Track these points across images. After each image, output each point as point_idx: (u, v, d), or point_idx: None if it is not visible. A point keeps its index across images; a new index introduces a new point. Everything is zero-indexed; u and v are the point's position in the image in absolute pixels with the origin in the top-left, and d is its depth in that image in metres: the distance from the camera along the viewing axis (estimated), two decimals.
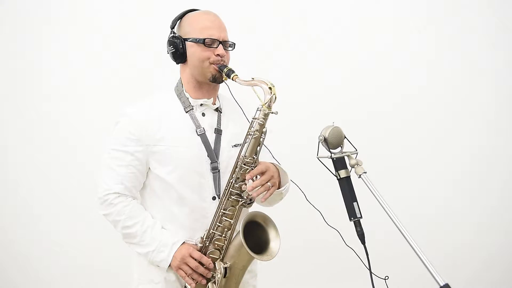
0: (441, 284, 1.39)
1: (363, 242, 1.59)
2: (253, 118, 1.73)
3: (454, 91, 3.10)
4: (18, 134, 3.03)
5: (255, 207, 1.82)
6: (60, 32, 3.01)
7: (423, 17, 3.10)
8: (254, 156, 1.72)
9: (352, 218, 1.60)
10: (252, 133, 1.71)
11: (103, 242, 2.85)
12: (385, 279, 1.58)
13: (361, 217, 1.60)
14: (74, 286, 3.05)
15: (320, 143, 1.65)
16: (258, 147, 1.72)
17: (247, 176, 1.70)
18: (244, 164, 1.71)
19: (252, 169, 1.71)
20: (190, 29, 1.80)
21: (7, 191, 3.04)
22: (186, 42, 1.79)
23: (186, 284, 1.77)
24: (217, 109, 1.87)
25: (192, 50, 1.79)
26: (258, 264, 1.96)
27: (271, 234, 1.73)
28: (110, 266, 2.90)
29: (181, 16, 1.85)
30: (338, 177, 1.64)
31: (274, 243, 1.72)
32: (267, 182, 1.71)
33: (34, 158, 3.03)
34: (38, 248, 3.04)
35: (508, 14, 3.08)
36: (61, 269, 3.04)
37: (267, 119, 1.71)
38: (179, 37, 1.80)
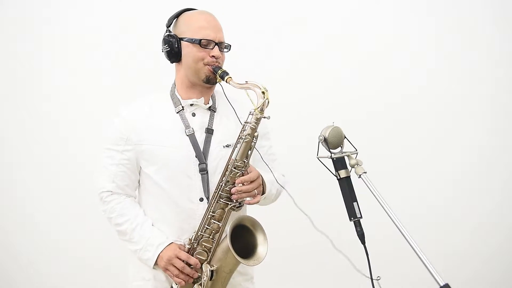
0: (441, 284, 1.39)
1: (363, 242, 1.59)
2: (245, 122, 1.73)
3: (454, 91, 3.09)
4: (18, 134, 3.03)
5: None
6: (60, 32, 3.01)
7: (423, 17, 3.09)
8: (245, 160, 1.72)
9: (352, 218, 1.60)
10: (244, 137, 1.71)
11: (103, 242, 2.85)
12: (377, 279, 1.57)
13: (361, 217, 1.60)
14: (74, 286, 3.04)
15: (320, 143, 1.65)
16: (249, 151, 1.73)
17: (237, 181, 1.71)
18: (235, 168, 1.72)
19: (242, 173, 1.72)
20: (186, 28, 1.80)
21: (7, 191, 3.04)
22: (181, 41, 1.79)
23: (173, 284, 1.78)
24: (210, 108, 1.86)
25: (187, 50, 1.78)
26: (255, 267, 1.95)
27: (259, 238, 1.72)
28: (110, 265, 2.90)
29: (177, 15, 1.85)
30: (338, 177, 1.64)
31: (261, 248, 1.71)
32: (253, 190, 1.73)
33: (34, 158, 3.03)
34: (38, 248, 3.04)
35: (508, 14, 3.07)
36: (61, 269, 3.04)
37: (259, 123, 1.71)
38: (174, 36, 1.80)
